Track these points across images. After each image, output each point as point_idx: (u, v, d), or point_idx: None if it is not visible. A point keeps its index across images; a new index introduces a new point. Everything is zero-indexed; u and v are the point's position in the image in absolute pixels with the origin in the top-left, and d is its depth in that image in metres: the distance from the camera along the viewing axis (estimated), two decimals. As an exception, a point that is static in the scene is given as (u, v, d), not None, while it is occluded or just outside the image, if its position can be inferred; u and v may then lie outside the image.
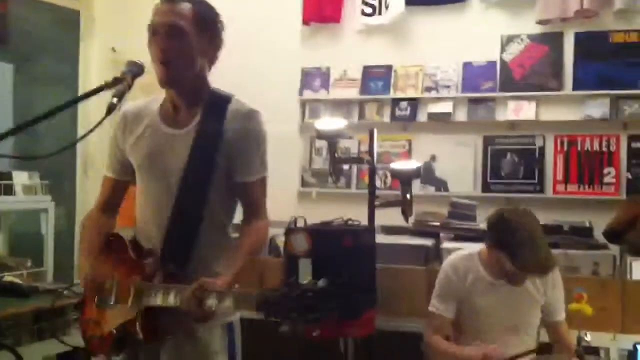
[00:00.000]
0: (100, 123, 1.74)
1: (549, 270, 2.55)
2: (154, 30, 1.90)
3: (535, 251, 2.48)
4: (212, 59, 1.99)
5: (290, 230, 2.95)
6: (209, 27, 1.94)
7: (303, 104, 4.58)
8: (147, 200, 1.98)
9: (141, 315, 1.81)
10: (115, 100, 1.72)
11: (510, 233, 2.50)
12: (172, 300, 1.77)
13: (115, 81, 1.76)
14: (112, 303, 1.89)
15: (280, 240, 3.42)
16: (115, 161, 2.06)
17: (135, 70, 1.79)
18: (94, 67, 4.67)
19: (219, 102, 1.97)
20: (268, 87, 4.51)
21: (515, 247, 2.48)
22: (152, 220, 1.96)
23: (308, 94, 4.56)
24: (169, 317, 1.83)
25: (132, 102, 2.06)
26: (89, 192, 4.39)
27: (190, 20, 1.90)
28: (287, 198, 4.42)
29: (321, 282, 1.57)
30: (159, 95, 2.04)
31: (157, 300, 1.79)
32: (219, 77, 2.07)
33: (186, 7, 1.91)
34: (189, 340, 1.92)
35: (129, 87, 1.77)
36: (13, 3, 4.33)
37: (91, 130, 1.77)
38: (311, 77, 4.57)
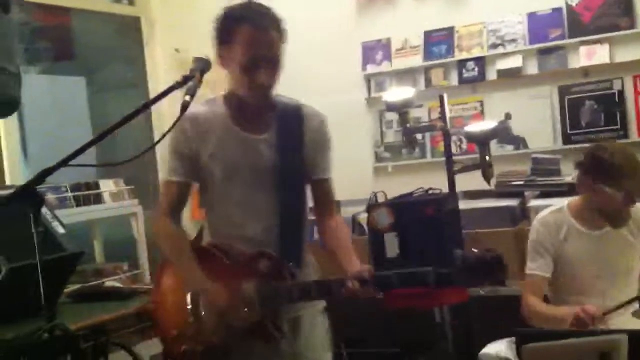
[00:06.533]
0: (176, 122, 1.78)
1: None
2: (255, 63, 1.90)
3: (637, 175, 2.47)
4: None
5: (372, 206, 2.93)
6: (285, 37, 1.98)
7: (367, 78, 4.54)
8: (240, 204, 1.99)
9: (271, 315, 1.88)
10: (188, 97, 1.75)
11: (609, 160, 2.47)
12: (299, 297, 1.87)
13: (185, 79, 1.79)
14: (220, 315, 1.90)
15: (363, 218, 3.42)
16: (184, 164, 2.01)
17: (203, 65, 1.81)
18: (160, 69, 4.77)
19: (291, 106, 2.06)
20: (330, 67, 4.49)
21: (617, 173, 2.45)
22: (252, 223, 1.98)
23: (371, 68, 4.52)
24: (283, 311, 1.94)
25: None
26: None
27: (281, 40, 1.94)
28: (363, 175, 4.41)
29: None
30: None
31: (285, 299, 1.88)
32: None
33: (277, 31, 1.93)
34: (297, 328, 2.00)
35: (199, 83, 1.80)
36: (75, 17, 4.47)
37: (168, 131, 1.81)
38: (372, 51, 4.52)
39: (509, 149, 4.15)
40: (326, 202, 2.11)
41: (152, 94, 4.66)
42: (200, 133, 2.00)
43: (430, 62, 4.35)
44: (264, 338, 1.89)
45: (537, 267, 2.65)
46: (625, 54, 3.93)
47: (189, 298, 1.96)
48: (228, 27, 1.92)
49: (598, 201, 2.55)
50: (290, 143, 2.00)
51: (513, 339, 2.44)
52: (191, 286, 1.97)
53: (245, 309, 1.86)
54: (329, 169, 2.11)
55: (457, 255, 1.78)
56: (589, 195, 2.57)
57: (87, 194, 3.70)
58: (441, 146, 3.89)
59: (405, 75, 4.43)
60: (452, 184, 3.13)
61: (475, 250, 1.78)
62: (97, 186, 3.79)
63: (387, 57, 4.48)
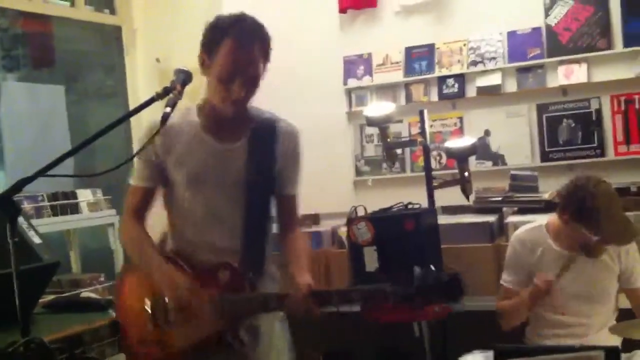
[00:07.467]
0: (156, 134, 1.78)
1: (630, 240, 2.48)
2: (232, 77, 1.91)
3: (615, 221, 2.43)
4: None
5: (352, 220, 2.95)
6: (269, 56, 1.99)
7: (348, 92, 4.56)
8: (205, 212, 2.00)
9: (230, 325, 1.90)
10: (168, 109, 1.76)
11: (589, 204, 2.42)
12: (258, 308, 1.91)
13: (166, 91, 1.79)
14: (181, 320, 1.91)
15: (343, 231, 3.42)
16: (150, 171, 2.05)
17: (184, 77, 1.81)
18: (140, 79, 4.75)
19: (267, 119, 2.07)
20: (311, 80, 4.50)
21: (595, 218, 2.41)
22: (216, 231, 2.00)
23: (352, 82, 4.54)
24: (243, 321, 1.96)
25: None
26: (149, 203, 4.48)
27: (263, 60, 1.95)
28: (343, 189, 4.42)
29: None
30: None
31: (244, 310, 1.90)
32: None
33: (259, 46, 1.93)
34: (256, 337, 2.01)
35: (180, 95, 1.79)
36: (56, 25, 4.44)
37: (148, 142, 1.80)
38: (354, 65, 4.54)
39: (487, 165, 4.19)
40: (291, 217, 2.12)
41: (132, 104, 4.64)
42: (168, 141, 2.01)
43: (410, 78, 4.38)
44: (223, 347, 1.91)
45: (512, 282, 2.70)
46: (603, 74, 3.98)
47: (148, 302, 1.97)
48: (214, 37, 1.93)
49: (572, 236, 2.54)
50: (261, 155, 2.01)
51: (490, 351, 2.45)
52: (158, 278, 1.96)
53: (206, 318, 1.88)
54: (297, 185, 2.11)
55: (417, 273, 1.73)
56: (565, 226, 2.56)
57: (64, 204, 3.66)
58: (421, 161, 3.91)
59: (385, 90, 4.45)
60: (431, 199, 3.15)
61: (433, 269, 1.76)
62: (74, 196, 3.75)
63: (369, 71, 4.50)
